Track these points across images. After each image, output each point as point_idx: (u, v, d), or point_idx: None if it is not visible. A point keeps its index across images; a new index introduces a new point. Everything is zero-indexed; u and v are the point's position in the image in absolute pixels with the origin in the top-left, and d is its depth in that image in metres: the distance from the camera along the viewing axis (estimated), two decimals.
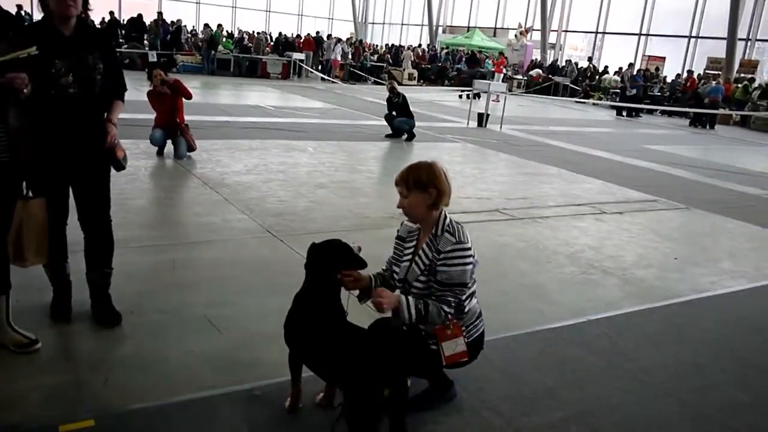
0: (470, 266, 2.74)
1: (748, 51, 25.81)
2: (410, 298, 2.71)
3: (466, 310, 2.83)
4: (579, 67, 28.20)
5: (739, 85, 22.87)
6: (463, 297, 2.78)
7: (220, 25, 24.81)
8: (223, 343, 3.37)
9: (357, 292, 2.82)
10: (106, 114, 3.29)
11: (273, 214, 5.79)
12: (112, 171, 3.39)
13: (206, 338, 3.41)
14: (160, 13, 23.72)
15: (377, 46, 33.42)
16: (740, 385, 3.52)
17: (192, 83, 13.56)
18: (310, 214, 5.96)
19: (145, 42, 22.24)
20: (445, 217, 2.82)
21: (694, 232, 6.89)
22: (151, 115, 8.01)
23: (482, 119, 14.33)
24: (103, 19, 23.17)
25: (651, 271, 5.32)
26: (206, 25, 25.25)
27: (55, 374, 2.94)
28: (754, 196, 9.23)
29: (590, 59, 29.36)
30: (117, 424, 2.61)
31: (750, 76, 24.08)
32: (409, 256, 2.87)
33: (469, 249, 2.75)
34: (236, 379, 3.03)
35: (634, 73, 22.87)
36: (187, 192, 6.49)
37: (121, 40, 21.83)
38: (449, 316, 2.73)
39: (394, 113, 11.37)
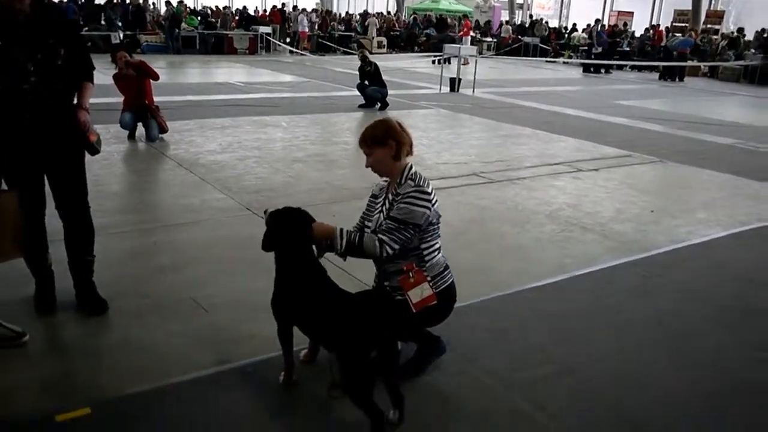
0: (425, 210, 2.79)
1: (713, 1, 25.95)
2: (345, 229, 2.80)
3: (429, 261, 2.88)
4: (548, 26, 28.14)
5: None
6: (410, 237, 2.79)
7: (181, 1, 24.21)
8: (211, 323, 3.37)
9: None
10: (76, 99, 3.22)
11: (251, 192, 5.76)
12: (87, 156, 3.33)
13: (194, 319, 3.41)
14: None
15: (348, 13, 32.85)
16: (722, 330, 3.62)
17: (158, 63, 13.31)
18: (288, 189, 5.94)
19: (102, 23, 21.63)
20: (410, 168, 2.91)
21: (668, 185, 6.99)
22: (120, 99, 7.86)
23: (454, 84, 14.29)
24: None
25: (629, 224, 5.40)
26: (168, 2, 24.64)
27: (46, 365, 2.92)
28: (725, 146, 9.37)
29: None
30: (114, 410, 2.61)
31: (716, 27, 24.27)
32: (379, 208, 2.97)
33: (428, 194, 2.82)
34: (228, 357, 3.04)
35: (599, 29, 22.90)
36: (163, 174, 6.41)
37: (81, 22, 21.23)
38: (387, 248, 2.75)
39: (366, 82, 11.28)
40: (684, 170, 7.63)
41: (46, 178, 3.26)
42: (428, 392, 2.84)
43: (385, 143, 2.85)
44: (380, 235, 2.78)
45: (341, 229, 2.80)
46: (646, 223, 5.45)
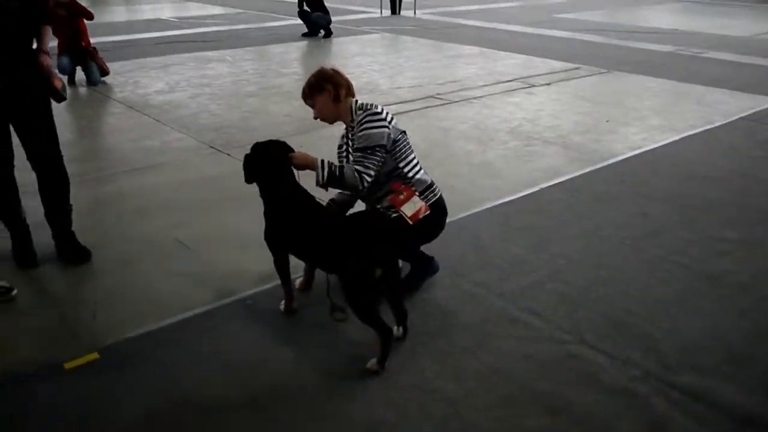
0: (383, 129, 2.85)
1: None
2: (326, 160, 2.85)
3: (414, 177, 2.96)
4: None
5: None
6: (380, 159, 2.86)
7: None
8: (202, 261, 3.38)
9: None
10: (36, 44, 3.06)
11: (211, 129, 5.64)
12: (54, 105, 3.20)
13: (182, 259, 3.41)
14: None
15: None
16: (685, 227, 3.85)
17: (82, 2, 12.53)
18: (248, 123, 5.84)
19: None
20: (356, 103, 2.97)
21: (619, 94, 7.18)
22: (54, 42, 7.42)
23: (395, 6, 14.03)
24: None
25: (587, 135, 5.57)
26: None
27: (41, 317, 2.89)
28: (666, 53, 9.61)
29: None
30: (121, 353, 2.63)
31: None
32: (345, 152, 3.04)
33: (379, 113, 2.89)
34: (225, 292, 3.07)
35: None
36: (114, 118, 6.18)
37: None
38: (365, 176, 2.83)
39: (306, 9, 10.94)
40: (631, 79, 7.83)
41: (12, 128, 3.14)
42: (427, 307, 2.97)
43: (322, 89, 2.92)
44: (355, 167, 2.84)
45: (322, 160, 2.83)
46: (604, 133, 5.63)
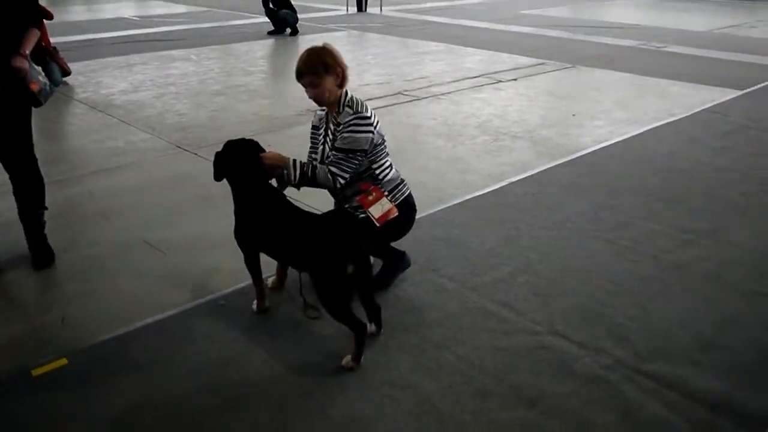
0: (368, 134, 2.82)
1: None
2: (298, 160, 2.81)
3: (384, 179, 2.95)
4: None
5: None
6: (358, 164, 2.84)
7: None
8: (171, 263, 3.33)
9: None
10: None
11: (177, 129, 5.56)
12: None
13: (152, 261, 3.35)
14: None
15: None
16: (651, 218, 3.92)
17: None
18: (215, 123, 5.77)
19: None
20: (346, 94, 2.90)
21: (584, 88, 7.27)
22: None
23: (361, 3, 14.02)
24: None
25: (554, 129, 5.63)
26: None
27: (7, 323, 2.81)
28: (628, 48, 9.78)
29: None
30: (92, 357, 2.57)
31: None
32: (322, 140, 2.97)
33: (368, 119, 2.84)
34: (196, 294, 3.03)
35: None
36: (77, 119, 6.05)
37: None
38: (339, 179, 2.82)
39: (272, 6, 10.84)
40: (596, 74, 7.94)
41: None
42: (399, 303, 2.97)
43: (333, 70, 2.80)
44: (330, 167, 2.81)
45: (294, 160, 2.80)
46: (570, 127, 5.71)
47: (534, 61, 8.60)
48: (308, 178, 2.80)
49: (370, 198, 2.90)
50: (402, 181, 3.05)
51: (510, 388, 2.41)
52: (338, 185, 2.83)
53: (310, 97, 2.88)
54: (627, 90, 7.13)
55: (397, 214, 2.92)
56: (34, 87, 3.00)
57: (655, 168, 4.74)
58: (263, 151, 2.81)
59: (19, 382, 2.43)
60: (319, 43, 2.89)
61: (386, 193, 2.93)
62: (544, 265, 3.33)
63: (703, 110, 6.30)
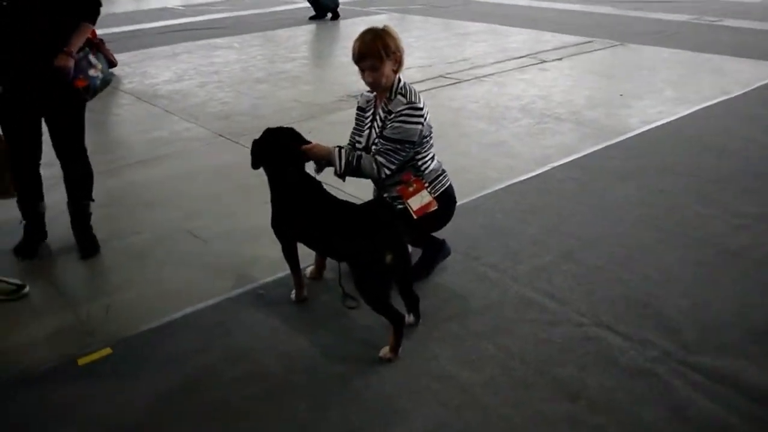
0: (418, 126, 2.76)
1: None
2: (343, 150, 2.76)
3: (426, 170, 2.89)
4: None
5: None
6: (406, 155, 2.79)
7: None
8: (212, 252, 3.36)
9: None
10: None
11: (220, 118, 5.61)
12: None
13: (193, 251, 3.39)
14: None
15: None
16: (701, 201, 3.76)
17: None
18: (257, 110, 5.80)
19: None
20: (400, 80, 2.82)
21: (632, 67, 7.03)
22: None
23: None
24: None
25: (601, 110, 5.47)
26: None
27: (54, 313, 2.88)
28: (680, 23, 9.40)
29: None
30: (134, 346, 2.62)
31: None
32: (369, 124, 2.91)
33: (420, 110, 2.76)
34: (236, 283, 3.05)
35: None
36: (122, 110, 6.17)
37: None
38: (385, 170, 2.76)
39: None
40: (645, 51, 7.67)
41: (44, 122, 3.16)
42: (439, 292, 2.93)
43: (395, 55, 2.73)
44: (377, 157, 2.76)
45: (339, 150, 2.76)
46: (617, 107, 5.53)
47: (580, 39, 8.36)
48: (353, 167, 2.77)
49: (411, 189, 2.85)
50: (443, 171, 2.99)
51: (553, 381, 2.35)
52: (383, 175, 2.78)
53: (367, 82, 2.79)
54: (678, 68, 6.86)
55: (436, 207, 2.87)
56: (81, 84, 3.03)
57: (707, 148, 4.56)
58: (302, 139, 2.79)
59: (66, 371, 2.49)
60: (379, 25, 2.83)
61: (426, 185, 2.87)
62: (589, 252, 3.24)
63: (759, 87, 6.02)
